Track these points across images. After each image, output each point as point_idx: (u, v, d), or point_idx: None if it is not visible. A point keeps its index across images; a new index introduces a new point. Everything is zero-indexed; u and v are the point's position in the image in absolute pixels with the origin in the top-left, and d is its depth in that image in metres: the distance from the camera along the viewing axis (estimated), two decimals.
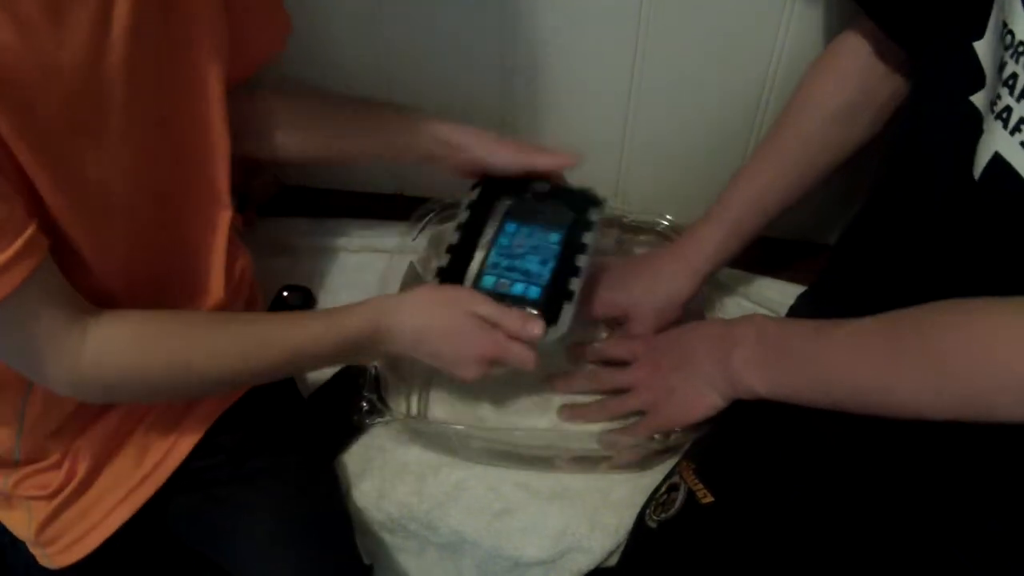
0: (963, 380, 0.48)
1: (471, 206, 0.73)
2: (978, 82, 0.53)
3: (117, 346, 0.52)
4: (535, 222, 0.71)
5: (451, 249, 0.70)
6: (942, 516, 0.53)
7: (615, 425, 0.71)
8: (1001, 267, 0.53)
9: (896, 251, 0.64)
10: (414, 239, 0.85)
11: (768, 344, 0.60)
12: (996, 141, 0.50)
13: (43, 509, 0.61)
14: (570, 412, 0.73)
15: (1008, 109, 0.49)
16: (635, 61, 0.82)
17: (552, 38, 0.82)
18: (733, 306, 0.85)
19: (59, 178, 0.49)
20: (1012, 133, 0.49)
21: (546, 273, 0.67)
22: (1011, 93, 0.49)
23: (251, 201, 0.94)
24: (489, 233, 0.71)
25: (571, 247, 0.69)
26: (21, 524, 0.62)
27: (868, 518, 0.54)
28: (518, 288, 0.66)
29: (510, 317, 0.61)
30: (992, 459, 0.53)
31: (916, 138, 0.61)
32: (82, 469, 0.61)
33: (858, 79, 0.67)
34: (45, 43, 0.45)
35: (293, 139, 0.72)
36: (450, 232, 0.72)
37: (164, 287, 0.62)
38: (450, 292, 0.62)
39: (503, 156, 0.71)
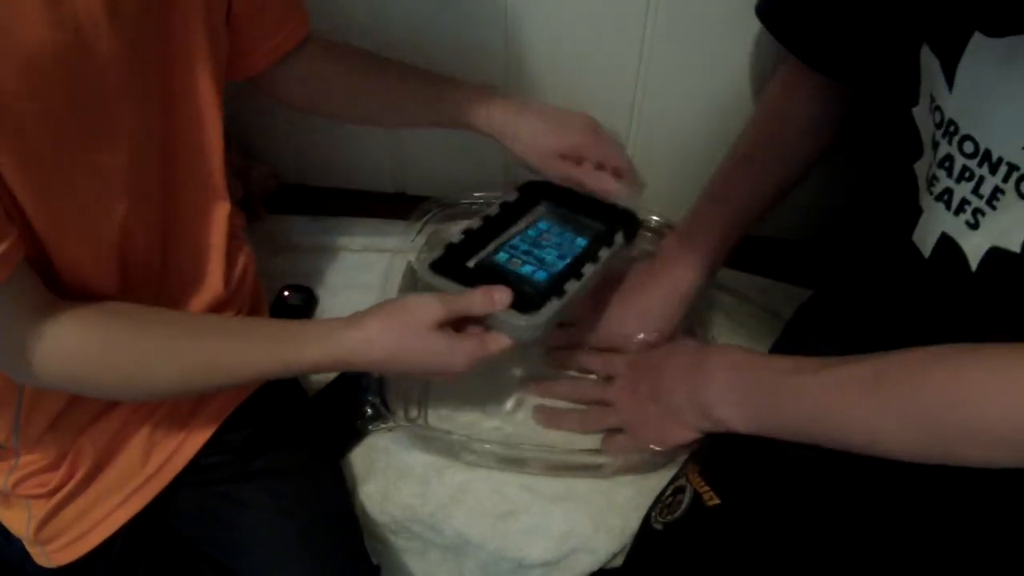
0: (950, 438, 0.48)
1: (504, 205, 0.75)
2: (917, 150, 0.52)
3: (63, 354, 0.51)
4: (566, 225, 0.74)
5: (467, 232, 0.70)
6: (953, 516, 0.53)
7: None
8: (961, 313, 0.53)
9: (851, 319, 0.65)
10: (412, 240, 0.85)
11: (742, 384, 0.60)
12: (941, 222, 0.50)
13: (43, 507, 0.60)
14: (547, 416, 0.73)
15: (949, 191, 0.49)
16: (640, 63, 0.82)
17: (556, 41, 0.82)
18: (735, 307, 0.85)
19: (44, 182, 0.47)
20: (956, 214, 0.49)
21: (558, 266, 0.68)
22: (949, 175, 0.48)
23: (254, 196, 0.93)
24: (520, 226, 0.74)
25: (586, 254, 0.70)
26: (19, 522, 0.61)
27: (877, 520, 0.54)
28: (527, 269, 0.67)
29: (475, 301, 0.60)
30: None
31: (870, 201, 0.63)
32: (83, 467, 0.61)
33: (822, 91, 0.68)
34: (37, 27, 0.43)
35: (352, 104, 0.75)
36: (475, 221, 0.72)
37: (162, 283, 0.62)
38: (406, 315, 0.58)
39: (554, 171, 0.72)
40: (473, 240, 0.70)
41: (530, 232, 0.73)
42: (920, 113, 0.51)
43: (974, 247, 0.48)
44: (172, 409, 0.64)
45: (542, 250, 0.70)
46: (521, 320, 0.60)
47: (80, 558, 0.61)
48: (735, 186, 0.72)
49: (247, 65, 0.68)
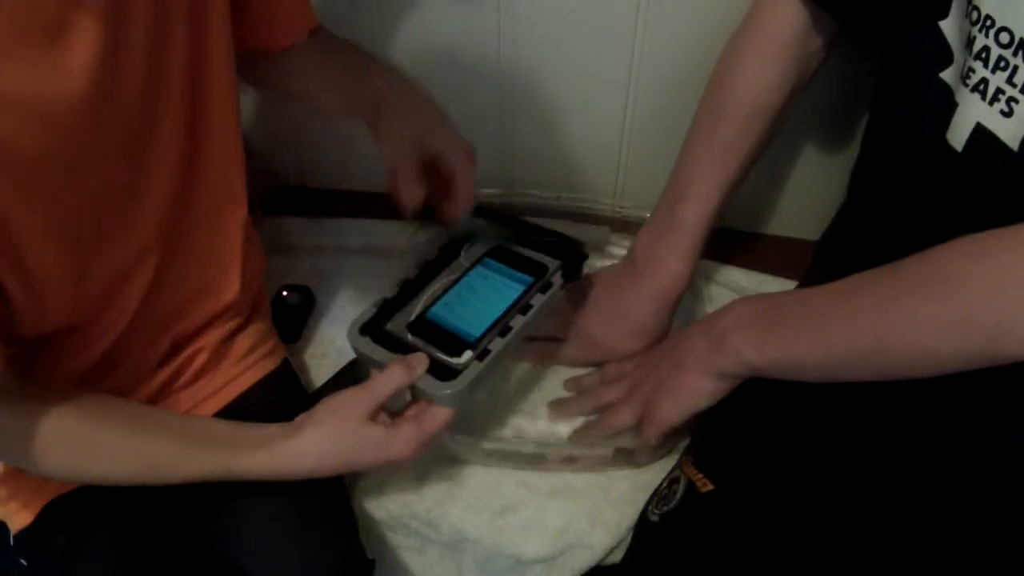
0: (977, 304, 0.44)
1: (443, 248, 0.75)
2: (946, 59, 0.54)
3: (17, 437, 0.53)
4: (509, 267, 0.72)
5: (402, 284, 0.70)
6: (946, 491, 0.53)
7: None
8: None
9: (872, 240, 0.63)
10: (410, 239, 0.85)
11: (758, 308, 0.58)
12: (976, 113, 0.51)
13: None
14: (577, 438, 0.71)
15: (984, 81, 0.50)
16: (633, 58, 0.82)
17: (550, 37, 0.82)
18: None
19: (54, 214, 0.48)
20: (991, 103, 0.50)
21: (485, 323, 0.65)
22: (985, 65, 0.50)
23: (250, 196, 0.94)
24: (460, 269, 0.72)
25: (517, 306, 0.67)
26: None
27: (868, 496, 0.54)
28: (461, 325, 0.65)
29: (395, 376, 0.58)
30: (992, 434, 0.53)
31: (890, 118, 0.62)
32: None
33: (795, 67, 0.66)
34: (40, 70, 0.44)
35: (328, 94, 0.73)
36: (411, 269, 0.72)
37: (180, 288, 0.63)
38: (335, 417, 0.58)
39: (403, 165, 0.69)
40: (407, 292, 0.69)
41: (470, 278, 0.71)
42: (948, 24, 0.53)
43: (1012, 132, 0.49)
44: (171, 404, 0.65)
45: (478, 300, 0.68)
46: (445, 389, 0.59)
47: (39, 517, 0.60)
48: (712, 178, 0.69)
49: (259, 41, 0.67)
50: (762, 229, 0.96)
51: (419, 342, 0.64)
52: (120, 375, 0.62)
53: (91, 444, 0.55)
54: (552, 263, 0.71)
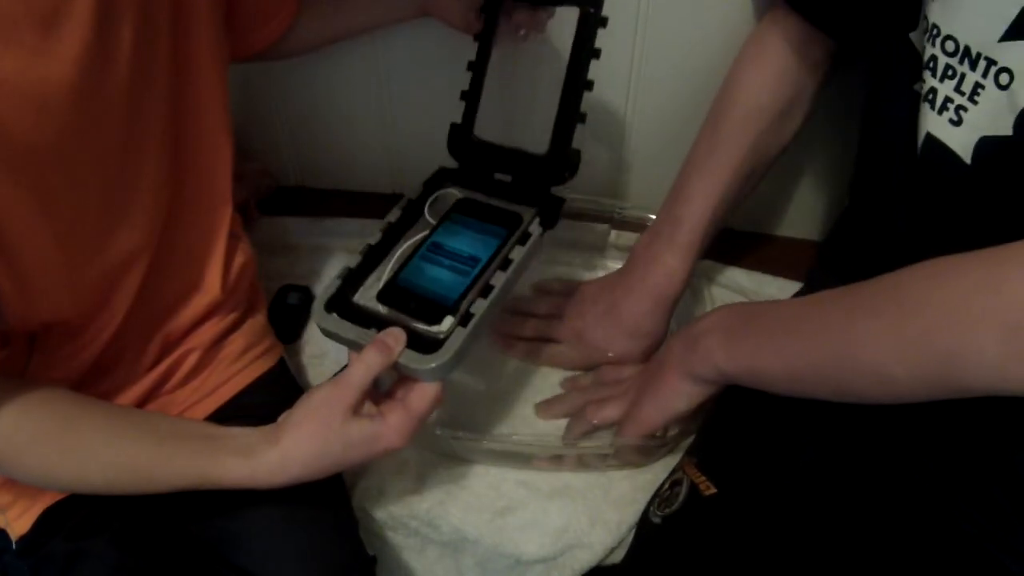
0: (933, 329, 0.43)
1: (409, 204, 0.66)
2: (917, 70, 0.54)
3: None
4: (479, 220, 0.63)
5: (366, 252, 0.62)
6: (947, 493, 0.53)
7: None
8: (956, 244, 0.50)
9: (873, 243, 0.64)
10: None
11: (734, 314, 0.59)
12: (928, 123, 0.52)
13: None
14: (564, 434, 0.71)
15: (933, 91, 0.51)
16: (633, 58, 0.82)
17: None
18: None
19: (44, 203, 0.48)
20: (940, 112, 0.50)
21: (463, 284, 0.58)
22: (933, 75, 0.51)
23: (248, 196, 0.94)
24: (427, 227, 0.64)
25: (495, 261, 0.59)
26: None
27: (871, 498, 0.54)
28: (437, 289, 0.58)
29: (374, 360, 0.53)
30: (993, 433, 0.52)
31: (874, 128, 0.63)
32: None
33: (792, 75, 0.68)
34: (33, 57, 0.45)
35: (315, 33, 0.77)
36: (376, 235, 0.63)
37: (161, 288, 0.63)
38: (317, 417, 0.54)
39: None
40: (372, 260, 0.62)
41: (437, 237, 0.62)
42: (917, 36, 0.54)
43: (962, 142, 0.49)
44: (164, 405, 0.65)
45: (447, 261, 0.60)
46: (430, 363, 0.53)
47: (39, 522, 0.59)
48: (711, 182, 0.70)
49: (252, 43, 0.70)
50: (764, 230, 0.96)
51: (392, 313, 0.57)
52: (113, 378, 0.62)
53: (65, 446, 0.53)
54: (527, 211, 0.62)
